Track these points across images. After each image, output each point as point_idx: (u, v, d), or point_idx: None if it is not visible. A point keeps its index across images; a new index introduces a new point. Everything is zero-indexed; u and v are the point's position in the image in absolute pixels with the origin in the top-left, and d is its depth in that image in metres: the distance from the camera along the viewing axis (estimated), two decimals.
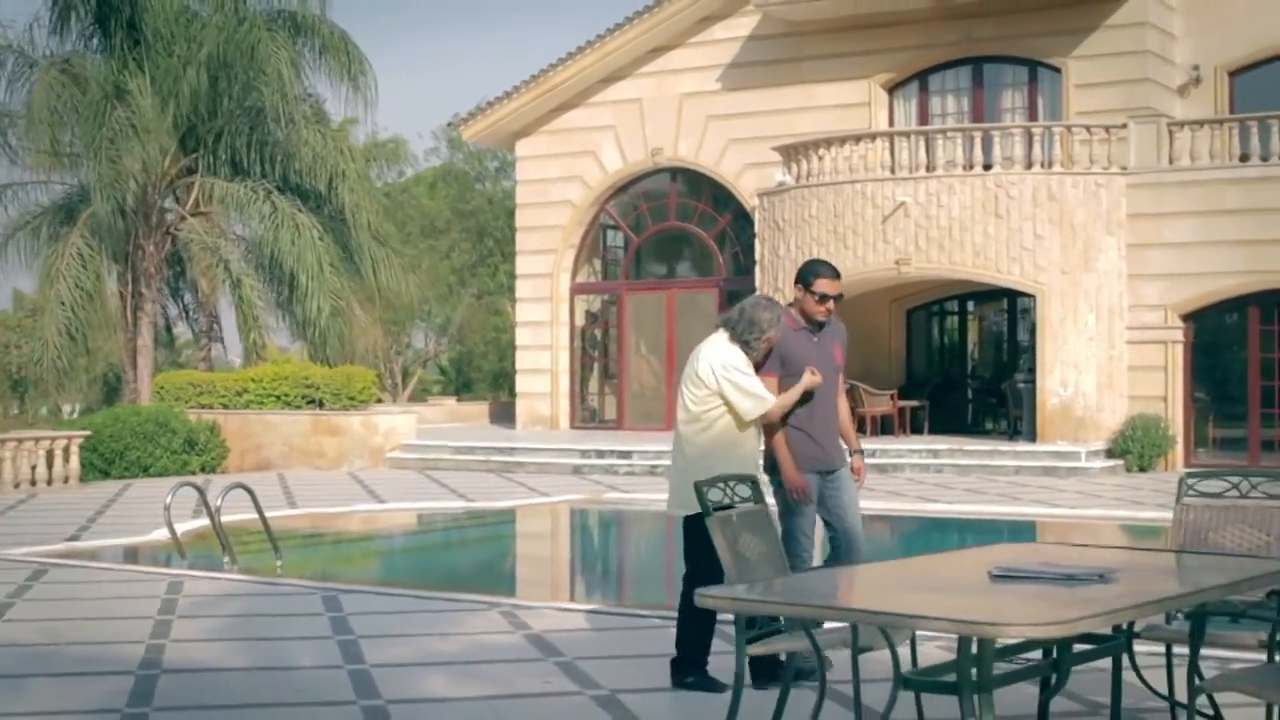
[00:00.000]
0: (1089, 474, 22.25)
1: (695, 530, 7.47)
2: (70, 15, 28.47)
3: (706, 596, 5.47)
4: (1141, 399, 23.72)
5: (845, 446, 8.35)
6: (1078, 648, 6.00)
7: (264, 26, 27.38)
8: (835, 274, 8.20)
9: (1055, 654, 5.90)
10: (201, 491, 14.56)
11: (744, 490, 6.78)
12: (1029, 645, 5.97)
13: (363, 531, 18.50)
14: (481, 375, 48.62)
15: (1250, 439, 23.53)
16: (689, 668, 7.87)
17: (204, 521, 15.09)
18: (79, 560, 13.64)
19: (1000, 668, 5.90)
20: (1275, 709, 5.86)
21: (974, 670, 4.99)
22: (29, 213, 29.23)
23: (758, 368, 7.94)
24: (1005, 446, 23.72)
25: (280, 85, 26.75)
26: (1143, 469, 22.80)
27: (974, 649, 5.04)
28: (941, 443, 24.15)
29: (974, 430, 27.55)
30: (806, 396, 8.03)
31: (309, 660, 8.94)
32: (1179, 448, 23.55)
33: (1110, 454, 23.13)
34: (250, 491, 14.25)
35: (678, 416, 8.03)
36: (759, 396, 7.79)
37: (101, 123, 26.24)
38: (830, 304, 8.09)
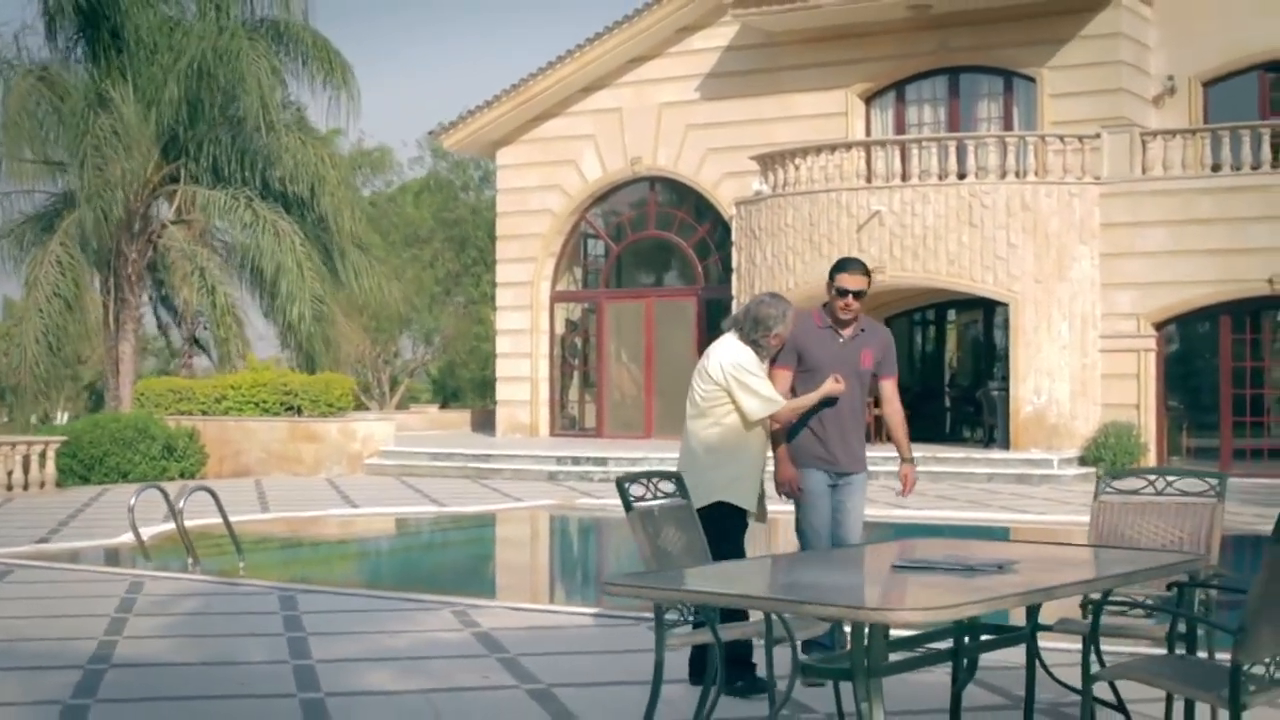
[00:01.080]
0: (1061, 481, 22.40)
1: (710, 522, 7.39)
2: (55, 23, 28.57)
3: (610, 585, 5.60)
4: (1114, 407, 23.87)
5: (862, 454, 8.34)
6: (984, 638, 6.14)
7: (245, 35, 27.48)
8: (860, 269, 8.07)
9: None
10: (167, 495, 14.68)
11: (667, 486, 6.92)
12: (935, 635, 6.11)
13: (332, 535, 18.63)
14: (465, 383, 48.70)
15: (1222, 447, 23.69)
16: (737, 670, 7.38)
17: (173, 525, 15.21)
18: (45, 561, 13.76)
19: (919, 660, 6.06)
20: (1173, 698, 6.00)
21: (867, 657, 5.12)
22: (11, 221, 29.33)
23: (771, 364, 7.93)
24: (979, 454, 23.90)
25: (261, 93, 26.85)
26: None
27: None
28: (915, 450, 24.09)
29: (952, 438, 27.68)
30: (826, 401, 8.00)
31: (257, 656, 9.08)
32: (1151, 455, 23.70)
33: (1083, 461, 23.28)
34: (214, 495, 14.38)
35: (687, 412, 7.98)
36: (766, 398, 7.76)
37: (85, 131, 26.33)
38: (849, 299, 7.96)
